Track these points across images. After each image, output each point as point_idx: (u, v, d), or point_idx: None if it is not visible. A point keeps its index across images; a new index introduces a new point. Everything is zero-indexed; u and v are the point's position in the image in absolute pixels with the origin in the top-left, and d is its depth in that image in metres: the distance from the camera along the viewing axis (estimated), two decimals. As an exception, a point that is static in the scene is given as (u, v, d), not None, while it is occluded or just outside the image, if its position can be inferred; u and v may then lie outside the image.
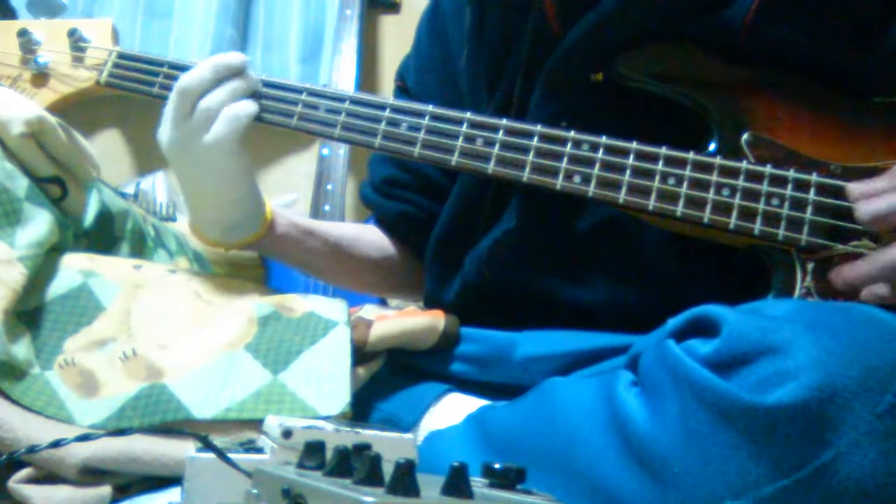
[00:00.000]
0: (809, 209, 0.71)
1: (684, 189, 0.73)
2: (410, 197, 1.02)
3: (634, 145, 0.75)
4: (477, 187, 0.89)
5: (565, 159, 0.76)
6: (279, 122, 0.85)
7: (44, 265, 0.77)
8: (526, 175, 0.77)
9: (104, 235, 0.90)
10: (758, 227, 0.72)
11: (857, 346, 0.53)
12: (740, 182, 0.72)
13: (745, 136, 0.75)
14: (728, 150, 0.74)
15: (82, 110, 0.95)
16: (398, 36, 1.88)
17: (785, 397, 0.51)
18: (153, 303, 0.78)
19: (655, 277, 0.79)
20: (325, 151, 1.67)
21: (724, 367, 0.54)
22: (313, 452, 0.43)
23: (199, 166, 0.83)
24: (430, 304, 0.95)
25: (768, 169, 0.72)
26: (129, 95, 0.91)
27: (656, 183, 0.74)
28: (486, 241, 0.86)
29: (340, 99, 0.84)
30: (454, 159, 0.79)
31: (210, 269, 1.01)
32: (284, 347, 0.74)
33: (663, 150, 0.74)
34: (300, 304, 0.80)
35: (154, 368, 0.72)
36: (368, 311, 0.82)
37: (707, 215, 0.73)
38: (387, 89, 1.86)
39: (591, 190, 0.75)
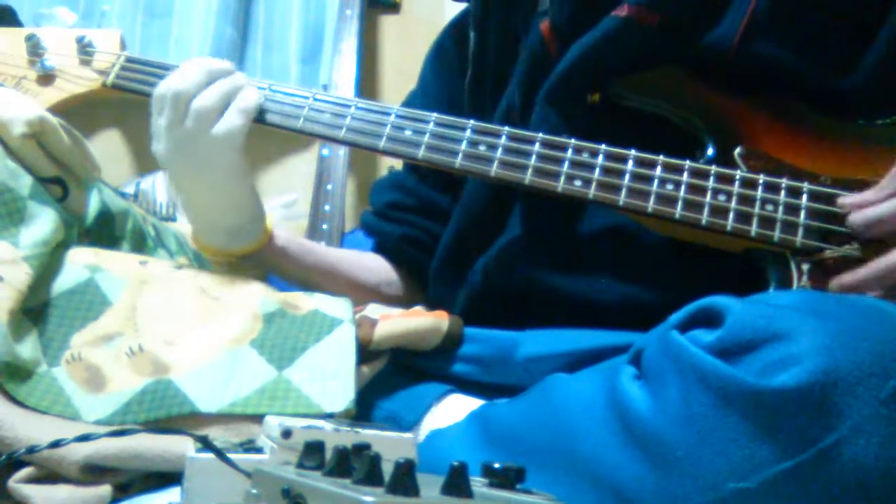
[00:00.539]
0: (803, 213, 0.73)
1: (682, 193, 0.74)
2: (413, 219, 1.04)
3: (633, 152, 0.77)
4: (480, 202, 0.90)
5: (566, 164, 0.77)
6: (285, 124, 0.86)
7: (49, 262, 0.77)
8: (528, 178, 0.78)
9: (105, 235, 0.90)
10: (754, 229, 0.73)
11: (862, 332, 0.53)
12: (735, 188, 0.74)
13: (738, 150, 0.77)
14: (722, 164, 0.76)
15: (82, 110, 0.95)
16: (398, 36, 1.88)
17: (789, 381, 0.51)
18: (159, 298, 0.78)
19: (658, 279, 0.79)
20: (325, 152, 1.67)
21: (728, 353, 0.55)
22: (313, 452, 0.43)
23: (205, 166, 0.83)
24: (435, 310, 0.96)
25: (762, 177, 0.74)
26: (130, 96, 0.92)
27: (654, 187, 0.75)
28: (491, 251, 0.87)
29: (346, 104, 0.85)
30: (457, 162, 0.80)
31: (211, 269, 1.01)
32: (290, 344, 0.75)
33: (661, 158, 0.76)
34: (305, 301, 0.80)
35: (160, 364, 0.72)
36: (373, 309, 0.82)
37: (705, 217, 0.74)
38: (387, 89, 1.86)
39: (592, 192, 0.76)
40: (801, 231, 0.72)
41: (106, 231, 0.91)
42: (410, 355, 0.81)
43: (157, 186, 1.56)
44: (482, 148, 0.80)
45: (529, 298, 0.84)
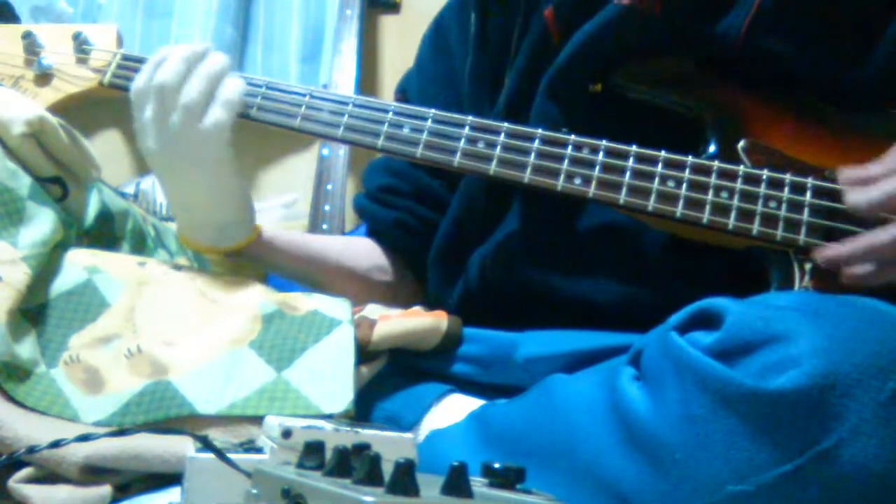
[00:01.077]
0: (806, 211, 0.72)
1: (683, 191, 0.74)
2: (406, 205, 1.02)
3: (634, 149, 0.76)
4: (479, 192, 0.89)
5: (566, 161, 0.77)
6: (282, 123, 0.85)
7: (48, 262, 0.77)
8: (527, 176, 0.77)
9: (104, 235, 0.90)
10: (756, 227, 0.72)
11: (861, 334, 0.53)
12: (738, 185, 0.73)
13: (741, 143, 0.76)
14: (725, 157, 0.75)
15: (82, 110, 0.95)
16: (398, 36, 1.88)
17: (788, 383, 0.51)
18: (158, 300, 0.78)
19: (657, 278, 0.79)
20: (325, 151, 1.67)
21: (726, 355, 0.55)
22: (313, 452, 0.43)
23: (193, 161, 0.83)
24: (433, 307, 0.95)
25: (765, 172, 0.73)
26: (128, 95, 0.91)
27: (655, 185, 0.74)
28: (488, 244, 0.86)
29: (343, 102, 0.84)
30: (456, 160, 0.80)
31: (210, 269, 1.01)
32: (288, 345, 0.75)
33: (662, 154, 0.75)
34: (304, 302, 0.80)
35: (159, 365, 0.72)
36: (372, 310, 0.82)
37: (706, 216, 0.73)
38: (387, 90, 1.86)
39: (592, 191, 0.76)
40: (803, 229, 0.71)
41: (106, 231, 0.91)
42: (410, 355, 0.81)
43: (157, 186, 1.56)
44: (480, 145, 0.79)
45: (528, 297, 0.84)
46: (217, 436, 0.68)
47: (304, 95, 0.85)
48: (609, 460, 0.58)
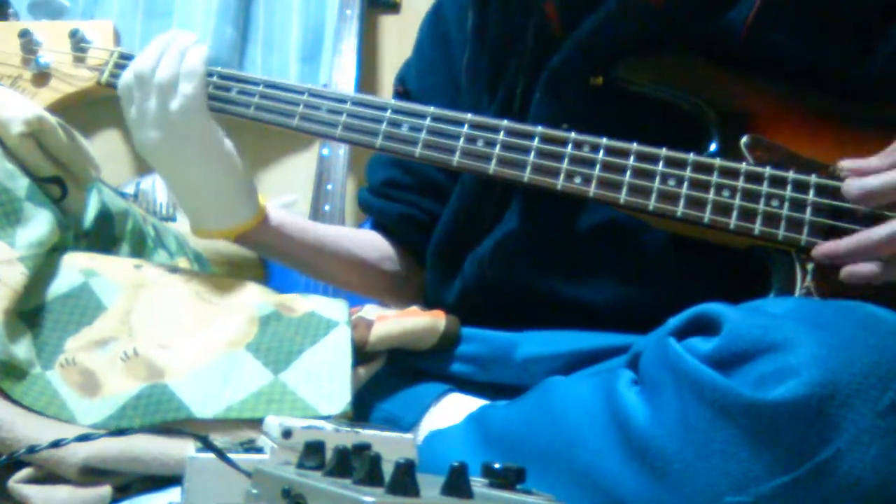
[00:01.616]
0: (809, 210, 0.71)
1: (684, 190, 0.73)
2: (411, 198, 1.02)
3: (635, 146, 0.75)
4: (478, 188, 0.89)
5: (566, 160, 0.76)
6: (281, 122, 0.85)
7: (44, 264, 0.77)
8: (527, 175, 0.77)
9: (104, 236, 0.90)
10: (758, 227, 0.72)
11: (859, 343, 0.53)
12: (740, 183, 0.73)
13: (744, 139, 0.75)
14: (727, 153, 0.75)
15: (82, 110, 0.95)
16: (398, 36, 1.88)
17: (786, 394, 0.51)
18: (154, 302, 0.78)
19: (657, 277, 0.79)
20: (325, 151, 1.67)
21: (724, 364, 0.54)
22: (313, 452, 0.43)
23: (179, 141, 0.83)
24: (430, 304, 0.95)
25: (768, 170, 0.73)
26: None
27: (656, 184, 0.74)
28: (487, 241, 0.86)
29: (342, 100, 0.84)
30: (455, 160, 0.79)
31: (210, 270, 1.01)
32: (285, 347, 0.74)
33: (663, 151, 0.75)
34: (301, 303, 0.80)
35: (155, 368, 0.72)
36: (369, 311, 0.82)
37: (707, 215, 0.73)
38: (387, 89, 1.86)
39: (592, 190, 0.75)
40: (805, 229, 0.71)
41: (105, 231, 0.90)
42: (408, 355, 0.80)
43: (157, 186, 1.56)
44: (480, 144, 0.79)
45: (526, 296, 0.84)
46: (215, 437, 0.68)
47: (302, 93, 0.85)
48: (607, 466, 0.57)
